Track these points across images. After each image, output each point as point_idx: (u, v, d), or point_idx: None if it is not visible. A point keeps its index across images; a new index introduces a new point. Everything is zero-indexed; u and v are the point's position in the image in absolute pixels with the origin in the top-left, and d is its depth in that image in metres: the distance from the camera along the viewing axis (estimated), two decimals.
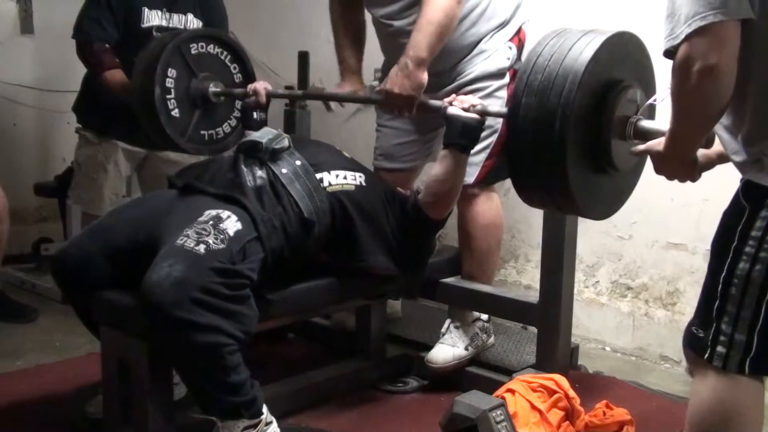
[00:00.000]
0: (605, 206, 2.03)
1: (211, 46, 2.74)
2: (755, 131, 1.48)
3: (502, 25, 2.52)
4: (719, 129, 1.58)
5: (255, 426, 1.96)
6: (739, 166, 1.52)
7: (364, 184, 2.33)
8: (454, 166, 2.28)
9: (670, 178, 1.66)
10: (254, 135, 2.32)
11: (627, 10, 2.89)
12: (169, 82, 2.62)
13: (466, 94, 2.52)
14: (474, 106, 2.21)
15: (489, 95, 2.49)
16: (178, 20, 3.06)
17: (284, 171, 2.22)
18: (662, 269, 3.02)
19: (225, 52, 2.78)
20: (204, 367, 1.89)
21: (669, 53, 1.44)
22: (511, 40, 2.54)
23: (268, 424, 2.01)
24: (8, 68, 3.98)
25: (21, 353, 2.91)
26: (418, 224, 2.37)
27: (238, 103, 2.73)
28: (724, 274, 1.48)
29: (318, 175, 2.25)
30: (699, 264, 2.90)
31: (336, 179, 2.28)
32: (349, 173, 2.32)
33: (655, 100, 1.86)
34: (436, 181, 2.32)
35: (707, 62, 1.38)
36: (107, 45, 2.97)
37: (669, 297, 3.01)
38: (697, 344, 1.53)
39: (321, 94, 2.70)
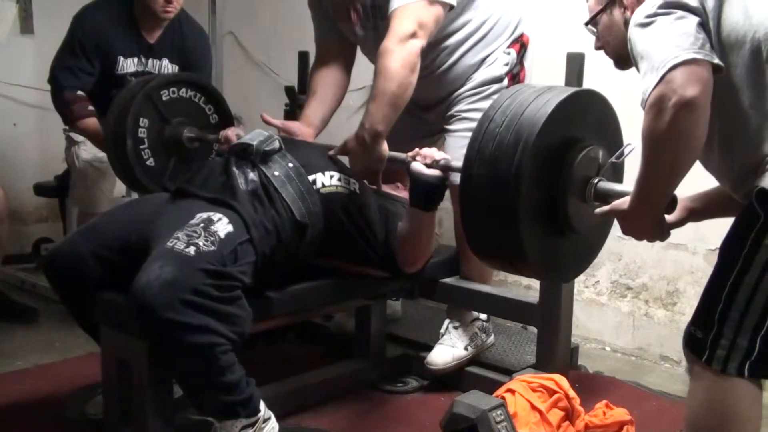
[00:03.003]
0: (572, 267, 1.98)
1: (183, 90, 2.69)
2: (760, 146, 1.49)
3: (503, 43, 2.55)
4: (719, 168, 1.58)
5: (253, 425, 1.96)
6: (749, 180, 1.51)
7: (357, 191, 2.31)
8: (419, 224, 2.23)
9: (638, 238, 1.66)
10: (245, 137, 2.30)
11: None
12: (142, 132, 2.58)
13: (465, 98, 2.55)
14: (437, 161, 2.13)
15: (486, 97, 2.49)
16: (152, 65, 3.08)
17: (276, 173, 2.20)
18: (662, 269, 3.02)
19: (198, 94, 2.73)
20: (197, 368, 1.89)
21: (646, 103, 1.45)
22: (510, 45, 2.55)
23: (266, 420, 2.00)
24: (8, 68, 3.99)
25: (21, 353, 2.91)
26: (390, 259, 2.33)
27: (217, 144, 2.70)
28: (732, 279, 1.48)
29: (311, 177, 2.24)
30: (699, 264, 2.90)
31: (330, 180, 2.27)
32: (343, 176, 2.30)
33: (617, 158, 1.80)
34: (403, 237, 2.28)
35: (684, 95, 1.38)
36: (79, 92, 2.98)
37: (669, 297, 3.01)
38: (696, 345, 1.53)
39: (293, 140, 2.65)
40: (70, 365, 2.78)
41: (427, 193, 2.15)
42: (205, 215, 2.02)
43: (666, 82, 1.39)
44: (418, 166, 2.14)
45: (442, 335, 2.64)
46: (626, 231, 1.65)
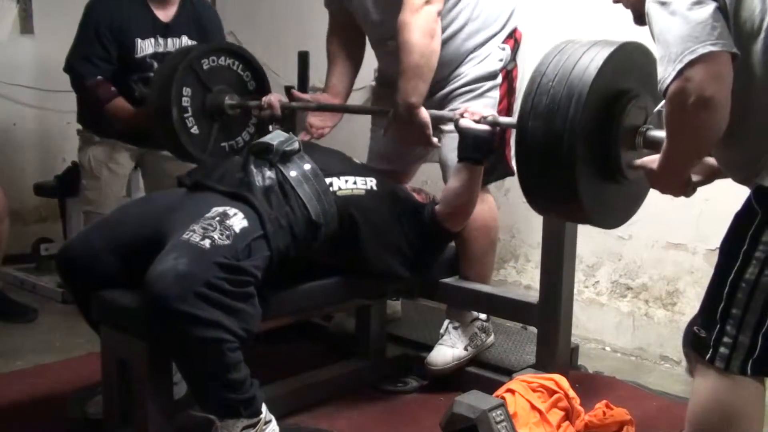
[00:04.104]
0: (621, 214, 2.04)
1: (222, 58, 2.75)
2: (764, 139, 1.49)
3: (496, 33, 2.54)
4: (718, 148, 1.58)
5: (254, 425, 1.96)
6: (748, 174, 1.51)
7: (375, 188, 2.33)
8: (470, 178, 2.31)
9: (664, 192, 1.67)
10: (265, 137, 2.33)
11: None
12: (185, 101, 2.64)
13: (458, 96, 2.53)
14: (485, 117, 2.22)
15: (481, 95, 2.49)
16: (172, 44, 3.08)
17: (293, 173, 2.22)
18: (662, 269, 3.02)
19: (236, 62, 2.79)
20: (204, 363, 1.90)
21: (666, 92, 1.44)
22: (504, 41, 2.54)
23: (267, 423, 2.01)
24: (8, 68, 3.99)
25: (21, 353, 2.91)
26: (433, 234, 2.39)
27: (256, 111, 2.75)
28: (732, 277, 1.48)
29: (327, 180, 2.26)
30: (699, 264, 2.90)
31: (346, 184, 2.29)
32: (359, 179, 2.32)
33: (663, 107, 1.85)
34: (454, 195, 2.34)
35: (704, 94, 1.38)
36: (99, 77, 2.98)
37: (669, 297, 3.01)
38: (699, 344, 1.54)
39: (335, 105, 2.70)
40: (70, 365, 2.78)
41: (476, 145, 2.24)
42: (221, 209, 2.03)
43: (685, 79, 1.39)
44: (466, 122, 2.23)
45: (442, 335, 2.64)
46: (654, 187, 1.68)
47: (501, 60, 2.52)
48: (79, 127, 3.25)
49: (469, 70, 2.52)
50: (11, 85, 4.01)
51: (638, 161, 1.73)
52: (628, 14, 1.76)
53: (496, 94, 2.51)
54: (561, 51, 1.83)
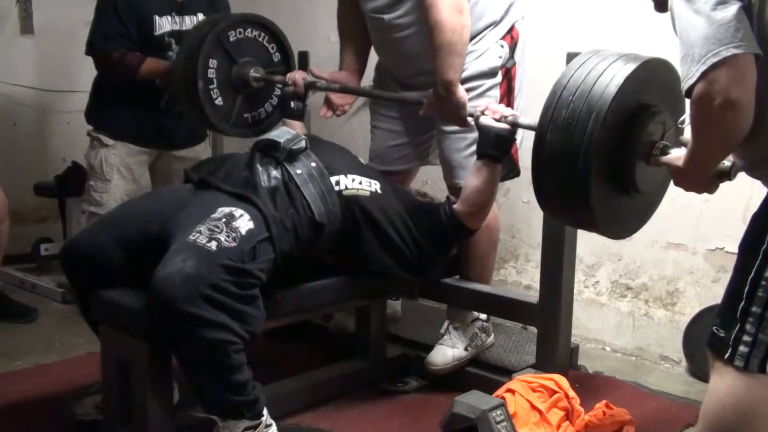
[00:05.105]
0: (631, 225, 2.05)
1: (249, 29, 2.76)
2: None
3: (494, 24, 2.52)
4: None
5: (255, 427, 1.97)
6: (765, 172, 1.52)
7: (379, 191, 2.33)
8: (489, 176, 2.31)
9: (687, 190, 1.68)
10: (272, 134, 2.33)
11: (622, 6, 2.90)
12: (211, 73, 2.65)
13: None
14: (505, 117, 2.22)
15: (481, 95, 2.49)
16: (189, 22, 3.08)
17: (299, 172, 2.23)
18: (662, 269, 3.02)
19: (262, 33, 2.80)
20: (208, 364, 1.90)
21: (689, 92, 1.45)
22: (502, 38, 2.53)
23: (268, 426, 2.01)
24: (8, 68, 3.99)
25: (21, 353, 2.91)
26: (453, 232, 2.38)
27: (280, 85, 2.76)
28: (752, 275, 1.49)
29: (333, 178, 2.26)
30: (699, 264, 2.90)
31: (352, 183, 2.29)
32: (364, 179, 2.32)
33: (682, 123, 1.84)
34: (475, 192, 2.33)
35: (728, 97, 1.38)
36: (122, 49, 2.98)
37: (669, 297, 3.01)
38: (718, 344, 1.54)
39: (362, 90, 2.71)
40: (70, 365, 2.78)
41: (496, 143, 2.25)
42: (227, 210, 2.03)
43: (709, 82, 1.39)
44: (487, 119, 2.24)
45: (442, 335, 2.64)
46: (677, 184, 1.69)
47: (500, 57, 2.52)
48: (91, 128, 3.23)
49: (468, 64, 2.49)
50: (11, 85, 4.01)
51: (663, 158, 1.74)
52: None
53: (496, 93, 2.50)
54: (583, 64, 1.82)
